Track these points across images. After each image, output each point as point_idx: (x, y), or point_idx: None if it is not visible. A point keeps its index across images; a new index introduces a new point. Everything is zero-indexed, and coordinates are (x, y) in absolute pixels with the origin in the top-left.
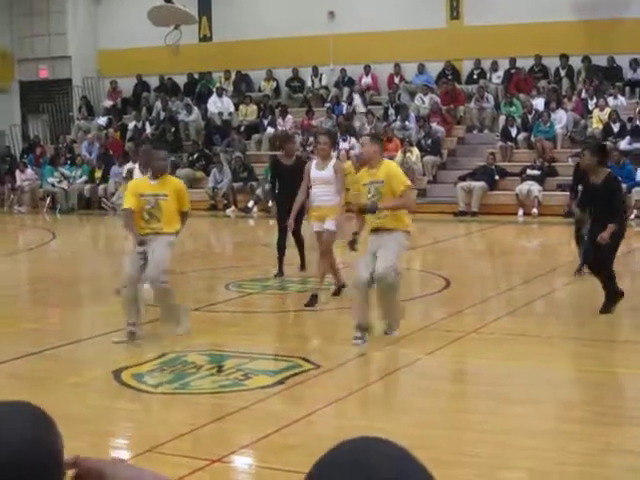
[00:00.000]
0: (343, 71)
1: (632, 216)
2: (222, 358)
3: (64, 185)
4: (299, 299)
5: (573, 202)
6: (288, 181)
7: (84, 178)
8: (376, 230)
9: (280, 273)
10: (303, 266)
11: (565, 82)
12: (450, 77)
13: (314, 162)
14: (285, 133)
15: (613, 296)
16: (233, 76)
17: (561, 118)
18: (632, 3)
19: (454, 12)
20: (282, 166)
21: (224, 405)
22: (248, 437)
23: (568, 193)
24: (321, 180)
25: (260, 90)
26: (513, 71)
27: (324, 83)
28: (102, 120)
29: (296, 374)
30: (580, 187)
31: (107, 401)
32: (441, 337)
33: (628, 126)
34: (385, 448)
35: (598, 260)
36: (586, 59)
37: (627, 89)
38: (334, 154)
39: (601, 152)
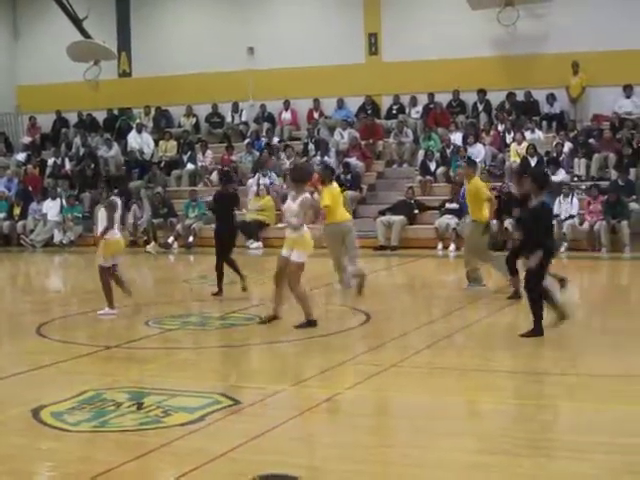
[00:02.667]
0: (263, 106)
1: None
2: (142, 395)
3: None
4: (219, 335)
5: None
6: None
7: (3, 214)
8: None
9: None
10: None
11: (483, 116)
12: (369, 112)
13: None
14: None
15: (538, 321)
16: (153, 112)
17: (479, 152)
18: (549, 39)
19: (372, 48)
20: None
21: (144, 443)
22: (169, 475)
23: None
24: (290, 212)
25: (180, 126)
26: (432, 106)
27: (244, 119)
28: (21, 156)
29: (216, 410)
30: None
31: (26, 440)
32: (361, 371)
33: (545, 159)
34: None
35: (526, 282)
36: (511, 95)
37: (544, 123)
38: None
39: (542, 178)
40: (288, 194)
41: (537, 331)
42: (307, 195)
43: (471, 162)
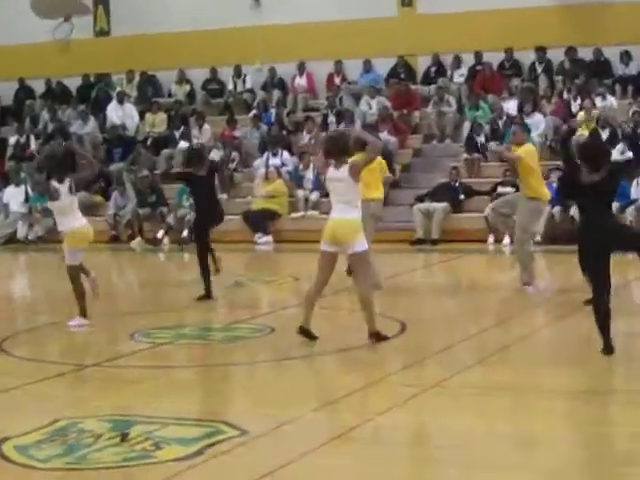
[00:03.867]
0: (272, 70)
1: None
2: (127, 424)
3: None
4: (222, 351)
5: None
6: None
7: None
8: None
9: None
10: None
11: (543, 80)
12: (403, 76)
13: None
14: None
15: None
16: (137, 78)
17: (539, 124)
18: None
19: None
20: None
21: None
22: None
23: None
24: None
25: (170, 95)
26: (479, 68)
27: (249, 85)
28: None
29: (217, 442)
30: None
31: None
32: (397, 393)
33: (620, 132)
34: None
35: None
36: (570, 51)
37: (617, 87)
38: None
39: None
40: (327, 165)
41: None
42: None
43: (524, 127)
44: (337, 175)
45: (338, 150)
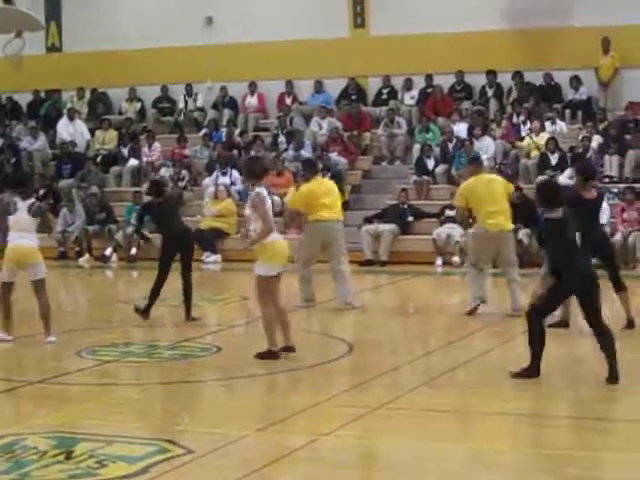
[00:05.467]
0: (223, 89)
1: None
2: (72, 442)
3: None
4: (168, 369)
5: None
6: None
7: None
8: None
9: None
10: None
11: (493, 104)
12: (354, 97)
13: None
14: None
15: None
16: (88, 95)
17: (488, 147)
18: (574, 9)
19: (358, 19)
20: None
21: None
22: None
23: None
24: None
25: (121, 112)
26: (430, 90)
27: (200, 104)
28: None
29: (163, 461)
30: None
31: None
32: (341, 414)
33: (569, 156)
34: None
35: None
36: (517, 75)
37: (567, 112)
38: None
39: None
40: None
41: (531, 370)
42: (257, 190)
43: (475, 159)
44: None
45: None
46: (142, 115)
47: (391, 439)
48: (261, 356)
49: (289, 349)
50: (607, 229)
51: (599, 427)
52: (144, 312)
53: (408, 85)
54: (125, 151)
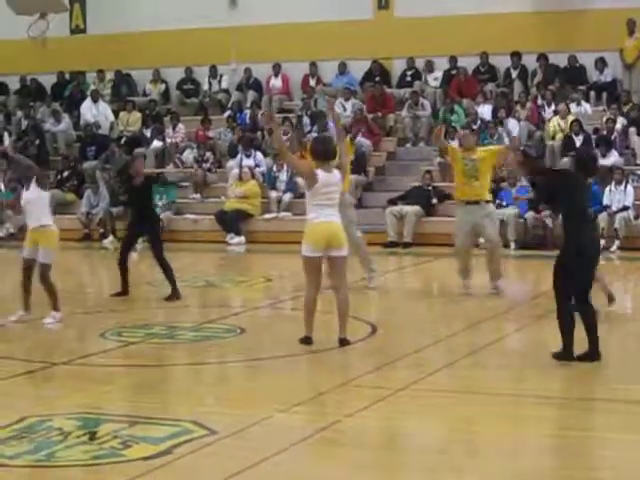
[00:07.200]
0: (247, 71)
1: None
2: (96, 423)
3: None
4: (192, 350)
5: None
6: None
7: None
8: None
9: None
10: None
11: (517, 85)
12: (378, 79)
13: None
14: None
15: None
16: (111, 77)
17: (513, 129)
18: None
19: (382, 0)
20: None
21: None
22: None
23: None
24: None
25: (145, 94)
26: (454, 72)
27: (224, 86)
28: None
29: (186, 442)
30: None
31: None
32: (365, 395)
33: (593, 138)
34: None
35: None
36: (542, 57)
37: (592, 94)
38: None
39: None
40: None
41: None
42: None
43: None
44: (332, 179)
45: (327, 154)
46: (166, 97)
47: (415, 421)
48: (300, 340)
49: (341, 341)
50: (631, 212)
51: (626, 410)
52: (171, 297)
53: (431, 67)
54: (149, 133)
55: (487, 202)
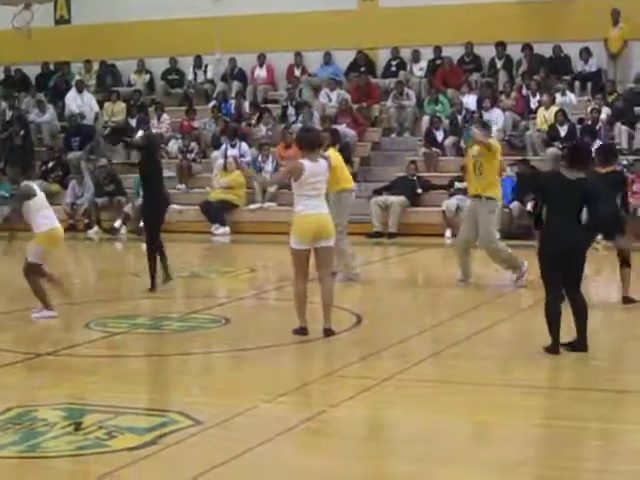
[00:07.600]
0: (232, 61)
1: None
2: (81, 413)
3: None
4: (177, 341)
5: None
6: None
7: None
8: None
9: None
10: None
11: (502, 75)
12: (363, 69)
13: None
14: None
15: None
16: (96, 67)
17: (497, 119)
18: None
19: None
20: None
21: (83, 471)
22: None
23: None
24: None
25: (130, 84)
26: (439, 62)
27: (209, 76)
28: None
29: (171, 432)
30: None
31: None
32: (350, 386)
33: (578, 128)
34: None
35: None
36: (527, 47)
37: (577, 84)
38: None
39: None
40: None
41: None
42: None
43: (484, 125)
44: (318, 169)
45: (312, 143)
46: (151, 87)
47: (400, 410)
48: (294, 331)
49: (325, 331)
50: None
51: (611, 399)
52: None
53: (416, 57)
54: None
55: (488, 198)
